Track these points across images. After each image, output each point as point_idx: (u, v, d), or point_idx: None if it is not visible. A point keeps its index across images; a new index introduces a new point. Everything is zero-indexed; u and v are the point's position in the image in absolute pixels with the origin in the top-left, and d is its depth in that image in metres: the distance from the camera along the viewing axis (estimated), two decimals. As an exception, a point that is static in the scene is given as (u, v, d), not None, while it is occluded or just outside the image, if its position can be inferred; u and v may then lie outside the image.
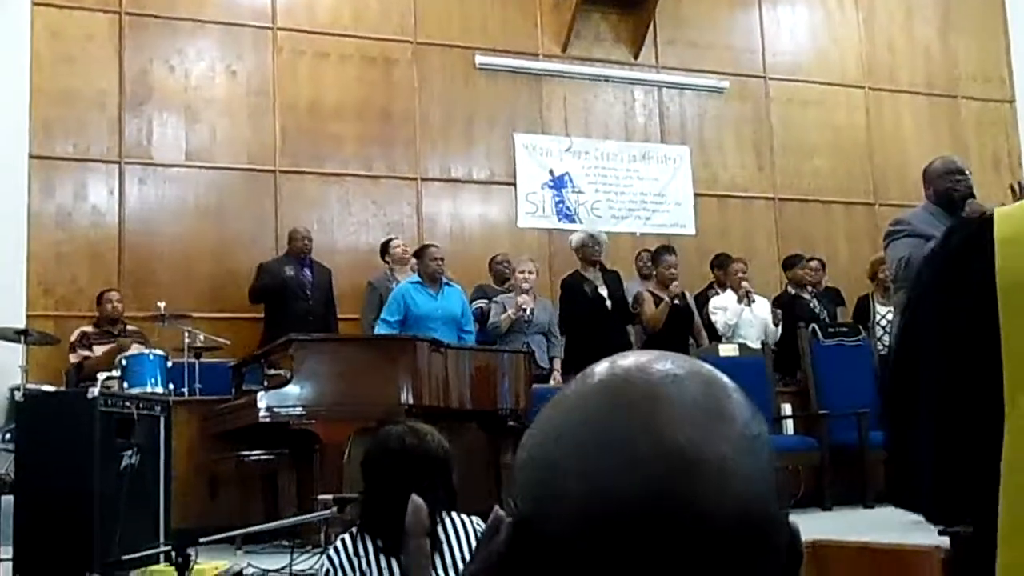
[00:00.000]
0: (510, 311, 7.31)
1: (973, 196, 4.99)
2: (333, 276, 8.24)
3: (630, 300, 7.93)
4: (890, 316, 7.74)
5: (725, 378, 0.73)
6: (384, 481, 2.54)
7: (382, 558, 2.51)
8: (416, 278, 7.02)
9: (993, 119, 11.14)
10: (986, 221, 1.35)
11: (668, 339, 7.58)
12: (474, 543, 2.56)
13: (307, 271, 8.02)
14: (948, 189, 5.00)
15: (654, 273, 8.11)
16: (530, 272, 7.52)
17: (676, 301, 7.74)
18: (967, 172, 5.11)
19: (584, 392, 0.71)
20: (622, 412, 0.68)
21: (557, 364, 7.52)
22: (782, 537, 0.70)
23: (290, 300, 7.82)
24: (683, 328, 7.82)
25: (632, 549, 0.64)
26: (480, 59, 9.43)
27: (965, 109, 11.04)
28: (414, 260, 7.47)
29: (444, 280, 7.04)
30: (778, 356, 7.82)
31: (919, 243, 4.75)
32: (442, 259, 7.08)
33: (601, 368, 0.72)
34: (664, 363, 0.71)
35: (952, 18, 11.18)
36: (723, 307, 8.06)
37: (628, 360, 0.72)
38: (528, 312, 7.32)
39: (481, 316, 7.77)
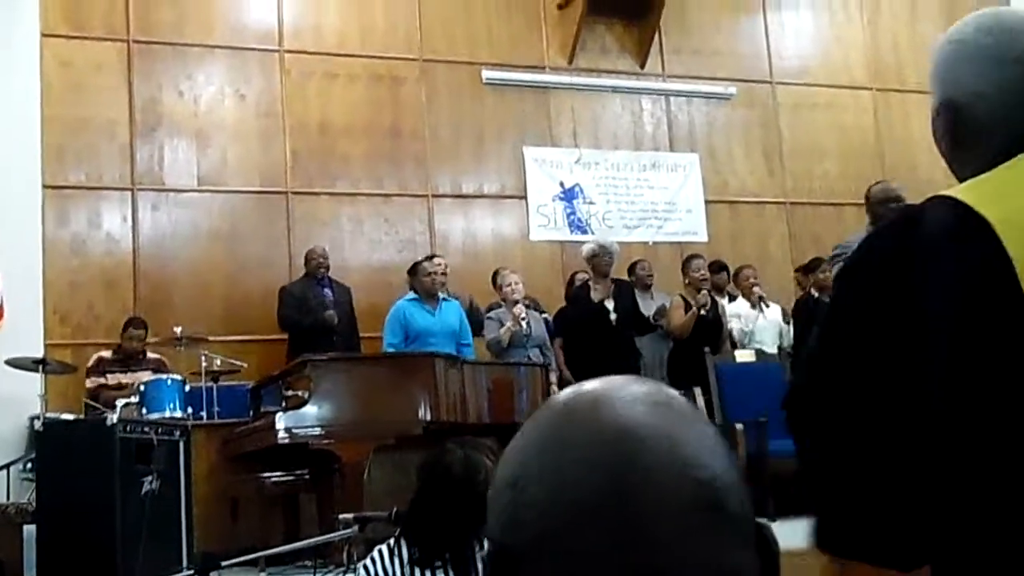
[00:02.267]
0: (509, 323, 7.28)
1: None
2: (353, 294, 8.23)
3: (653, 309, 7.90)
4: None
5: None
6: (438, 503, 2.56)
7: (416, 570, 2.52)
8: (412, 295, 6.99)
9: (1003, 116, 11.11)
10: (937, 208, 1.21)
11: (697, 348, 7.53)
12: None
13: (327, 291, 8.01)
14: (884, 216, 5.18)
15: (685, 281, 8.08)
16: (516, 283, 7.49)
17: (703, 312, 7.70)
18: (904, 199, 5.28)
19: (538, 416, 0.74)
20: (572, 416, 0.71)
21: (554, 378, 7.50)
22: (747, 525, 0.69)
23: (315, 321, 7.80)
24: (712, 337, 7.71)
25: (596, 535, 0.65)
26: (487, 74, 9.45)
27: (974, 107, 11.00)
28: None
29: (441, 295, 7.04)
30: (798, 359, 7.79)
31: None
32: (435, 273, 7.04)
33: (555, 397, 0.75)
34: (616, 380, 0.73)
35: (957, 15, 11.04)
36: (737, 314, 8.05)
37: (582, 384, 0.75)
38: (525, 324, 7.30)
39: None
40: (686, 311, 7.77)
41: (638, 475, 0.66)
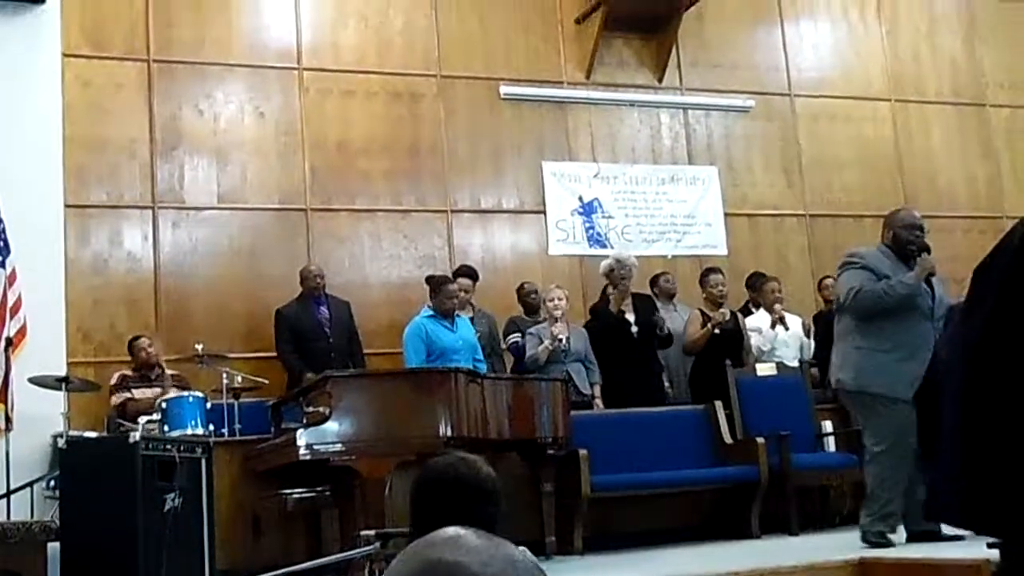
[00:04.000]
0: (547, 342, 7.28)
1: (928, 251, 5.38)
2: (354, 309, 8.23)
3: (679, 322, 7.90)
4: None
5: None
6: (434, 510, 2.54)
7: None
8: (429, 312, 6.99)
9: (1024, 126, 11.07)
10: None
11: (717, 362, 7.52)
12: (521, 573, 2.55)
13: (324, 309, 8.02)
14: (908, 241, 5.39)
15: (703, 295, 8.06)
16: (559, 299, 7.49)
17: (717, 331, 7.67)
18: (926, 229, 5.56)
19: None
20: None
21: (597, 391, 7.49)
22: None
23: (311, 342, 7.84)
24: (732, 351, 7.68)
25: None
26: (505, 89, 9.48)
27: (995, 117, 10.97)
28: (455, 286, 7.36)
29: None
30: (824, 370, 7.77)
31: (870, 277, 5.24)
32: (458, 297, 7.06)
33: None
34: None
35: (977, 26, 11.13)
36: (757, 329, 8.02)
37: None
38: (564, 341, 7.30)
39: (517, 351, 7.75)
40: (702, 326, 7.76)
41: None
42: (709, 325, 7.67)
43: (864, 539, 5.08)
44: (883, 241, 5.50)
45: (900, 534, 5.15)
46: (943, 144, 10.68)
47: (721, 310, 7.75)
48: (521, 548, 2.65)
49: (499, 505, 2.58)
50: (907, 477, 5.12)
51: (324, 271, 8.21)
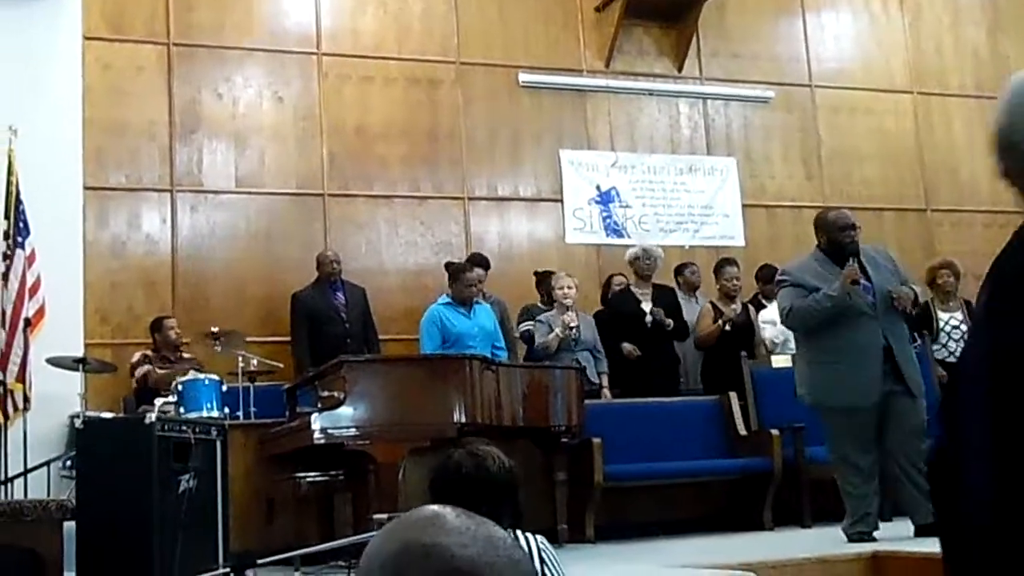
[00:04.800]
0: (558, 330, 7.27)
1: (857, 254, 5.38)
2: (369, 295, 8.24)
3: (695, 313, 7.89)
4: (953, 322, 7.71)
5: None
6: (448, 503, 2.55)
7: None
8: (447, 299, 6.99)
9: (1046, 120, 10.97)
10: None
11: (728, 354, 7.52)
12: (537, 561, 2.56)
13: (339, 295, 8.04)
14: (841, 242, 5.38)
15: (717, 286, 8.04)
16: (569, 287, 7.47)
17: (727, 327, 7.66)
18: (859, 228, 5.57)
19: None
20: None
21: (605, 380, 7.49)
22: None
23: (326, 327, 7.85)
24: (743, 343, 7.67)
25: None
26: (524, 77, 9.46)
27: (1017, 111, 10.87)
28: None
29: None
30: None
31: (801, 293, 5.30)
32: (476, 285, 7.05)
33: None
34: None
35: (1001, 19, 11.04)
36: (771, 321, 7.99)
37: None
38: (575, 330, 7.28)
39: (528, 338, 7.76)
40: (713, 320, 7.74)
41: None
42: (720, 322, 7.67)
43: (849, 540, 5.15)
44: (818, 245, 5.51)
45: (908, 527, 5.15)
46: (965, 137, 10.61)
47: (732, 306, 7.73)
48: (539, 536, 2.66)
49: (514, 495, 2.59)
50: (879, 475, 5.21)
51: (340, 256, 8.22)
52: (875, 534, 5.17)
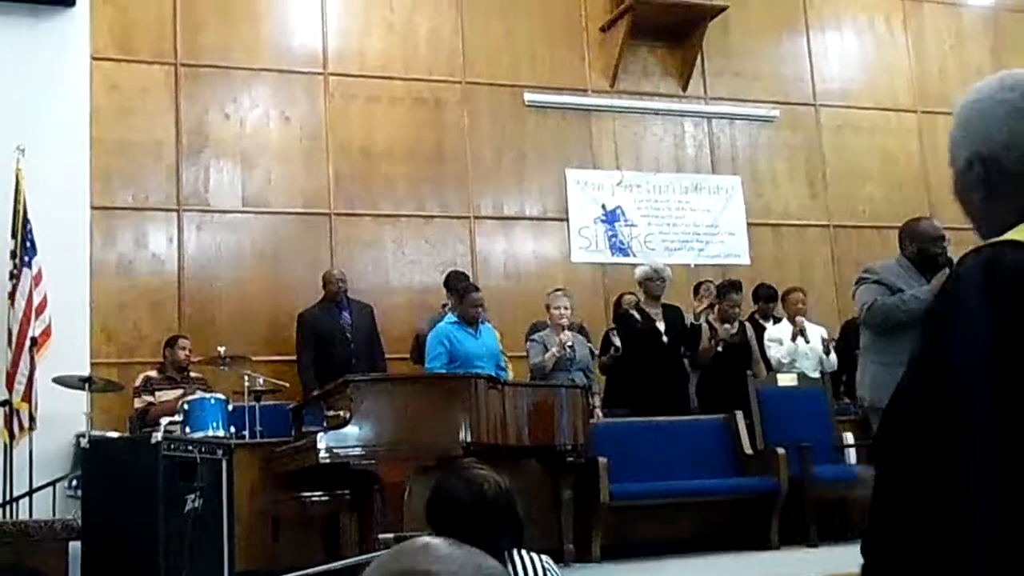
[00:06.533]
0: (554, 349, 7.26)
1: (951, 265, 5.19)
2: (377, 314, 8.25)
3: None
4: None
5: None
6: (448, 532, 2.56)
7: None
8: (453, 318, 6.99)
9: (1050, 139, 10.98)
10: None
11: (724, 373, 7.53)
12: None
13: (345, 314, 8.04)
14: (934, 254, 5.32)
15: (718, 307, 8.05)
16: (565, 308, 7.46)
17: (720, 348, 7.67)
18: (948, 240, 5.49)
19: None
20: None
21: (597, 400, 7.48)
22: None
23: (332, 347, 7.85)
24: (739, 362, 7.69)
25: None
26: (529, 96, 9.49)
27: (1021, 129, 10.88)
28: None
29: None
30: (848, 382, 7.73)
31: (884, 291, 5.23)
32: (483, 306, 7.05)
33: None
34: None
35: (1004, 38, 11.07)
36: (778, 340, 7.99)
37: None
38: (571, 349, 7.27)
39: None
40: (709, 340, 7.73)
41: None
42: (712, 343, 7.66)
43: None
44: (903, 253, 5.44)
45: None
46: (969, 156, 10.60)
47: (725, 326, 7.72)
48: (544, 556, 2.65)
49: (513, 515, 2.58)
50: None
51: (347, 275, 8.23)
52: None
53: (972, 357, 1.22)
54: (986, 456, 1.17)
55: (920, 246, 5.36)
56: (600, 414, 7.40)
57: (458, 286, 7.28)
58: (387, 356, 8.21)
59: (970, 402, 1.20)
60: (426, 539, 1.03)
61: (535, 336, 7.56)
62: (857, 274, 5.53)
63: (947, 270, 5.18)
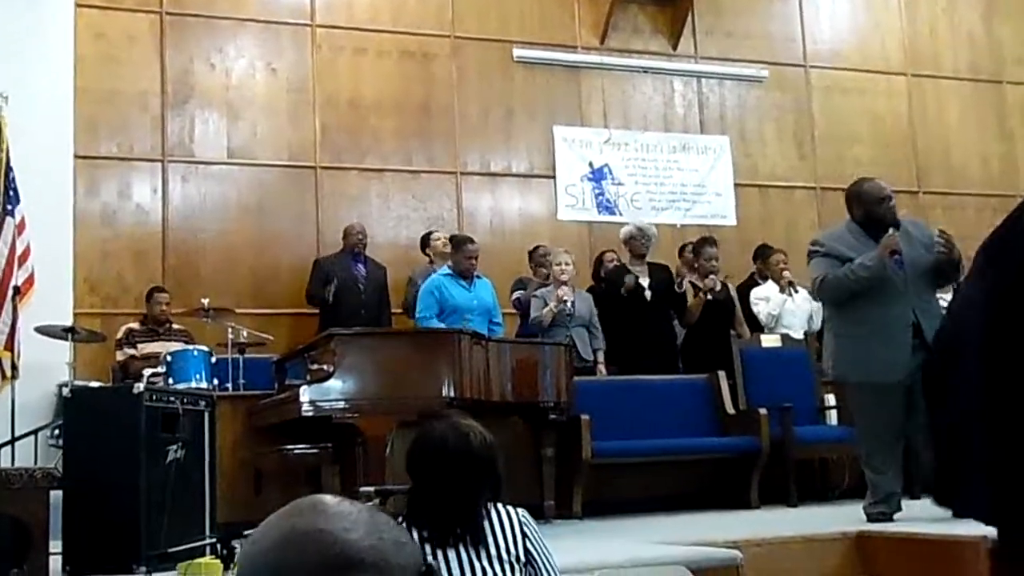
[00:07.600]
0: (551, 305, 7.28)
1: (897, 225, 5.21)
2: (388, 274, 8.27)
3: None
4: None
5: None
6: (429, 478, 2.56)
7: (427, 547, 2.52)
8: (447, 270, 6.99)
9: (1040, 104, 10.99)
10: None
11: (708, 332, 7.56)
12: (519, 534, 2.57)
13: (361, 266, 8.09)
14: (878, 214, 5.21)
15: (695, 265, 8.07)
16: (567, 264, 7.48)
17: (710, 297, 7.69)
18: (894, 198, 5.40)
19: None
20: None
21: (600, 356, 7.50)
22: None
23: (344, 294, 7.87)
24: (723, 320, 7.76)
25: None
26: (518, 52, 9.43)
27: (1012, 94, 10.89)
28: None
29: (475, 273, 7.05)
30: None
31: (833, 263, 5.15)
32: (476, 258, 7.04)
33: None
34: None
35: (996, 2, 11.02)
36: (765, 298, 8.01)
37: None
38: (569, 305, 7.30)
39: (519, 306, 7.78)
40: (694, 295, 7.75)
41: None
42: (701, 294, 7.68)
43: (868, 519, 5.05)
44: (852, 218, 5.34)
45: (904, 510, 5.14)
46: (958, 120, 10.61)
47: (710, 277, 7.72)
48: (520, 510, 2.66)
49: (494, 469, 2.59)
50: (902, 455, 5.11)
51: (365, 230, 8.26)
52: (895, 516, 5.05)
53: None
54: None
55: (867, 208, 5.26)
56: (603, 370, 7.43)
57: (454, 239, 7.31)
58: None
59: None
60: (318, 497, 1.01)
61: (537, 292, 7.57)
62: (809, 246, 5.45)
63: (892, 230, 5.14)
